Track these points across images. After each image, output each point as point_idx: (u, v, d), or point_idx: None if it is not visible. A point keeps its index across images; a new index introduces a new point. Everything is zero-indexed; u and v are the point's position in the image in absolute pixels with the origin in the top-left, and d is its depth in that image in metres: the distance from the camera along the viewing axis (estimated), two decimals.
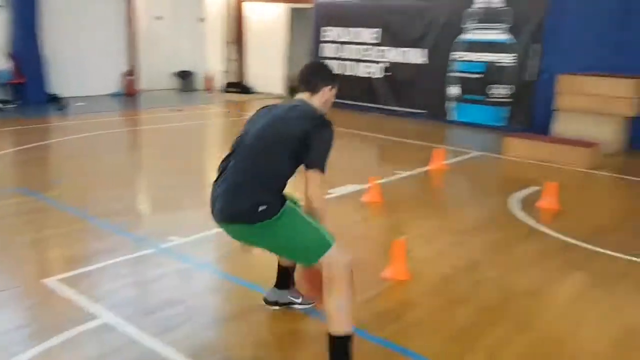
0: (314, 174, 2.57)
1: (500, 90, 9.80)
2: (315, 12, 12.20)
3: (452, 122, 10.45)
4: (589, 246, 4.49)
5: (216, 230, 4.62)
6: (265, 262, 3.51)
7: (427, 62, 10.64)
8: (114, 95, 12.69)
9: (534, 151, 7.57)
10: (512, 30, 9.57)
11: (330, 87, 2.86)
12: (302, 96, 2.86)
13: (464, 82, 10.22)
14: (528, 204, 5.58)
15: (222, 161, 2.80)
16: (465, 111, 10.31)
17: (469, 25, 9.99)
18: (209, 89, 14.50)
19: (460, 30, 10.09)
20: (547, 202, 5.53)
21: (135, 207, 5.44)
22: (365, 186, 5.69)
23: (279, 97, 13.50)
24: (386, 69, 11.24)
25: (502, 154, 7.88)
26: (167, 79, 14.37)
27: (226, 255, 4.20)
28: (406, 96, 10.97)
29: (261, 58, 13.77)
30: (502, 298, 3.60)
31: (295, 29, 13.38)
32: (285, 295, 3.27)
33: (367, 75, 11.53)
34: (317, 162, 2.58)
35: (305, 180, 2.59)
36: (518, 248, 4.47)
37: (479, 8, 9.86)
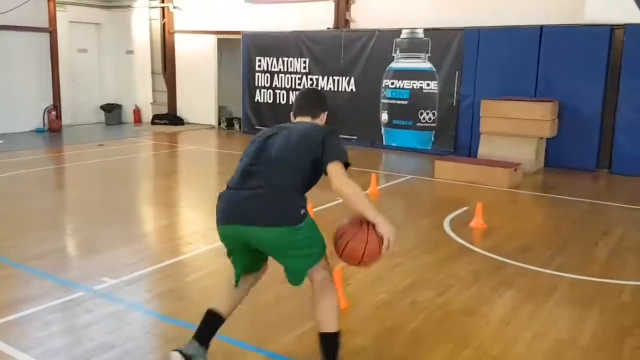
0: (335, 166, 2.67)
1: (426, 116, 10.20)
2: (244, 43, 12.28)
3: (383, 147, 10.73)
4: (518, 263, 4.69)
5: (150, 268, 4.55)
6: (200, 302, 3.42)
7: (355, 90, 10.92)
8: (37, 131, 12.12)
9: (462, 173, 7.90)
10: (434, 59, 10.03)
11: (326, 111, 3.10)
12: (304, 119, 3.01)
13: (393, 109, 10.57)
14: (460, 224, 5.79)
15: (243, 174, 2.78)
16: (395, 136, 10.63)
17: (397, 54, 10.39)
18: (137, 121, 14.15)
19: (391, 59, 10.47)
20: (477, 222, 5.76)
21: (61, 249, 5.16)
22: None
23: (211, 127, 13.40)
24: None
25: (433, 177, 8.16)
26: (93, 113, 13.94)
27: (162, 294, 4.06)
28: (338, 123, 11.13)
29: (192, 89, 13.64)
30: (440, 319, 3.68)
31: (225, 59, 13.38)
32: (203, 356, 2.83)
33: None
34: (335, 155, 2.70)
35: (330, 177, 2.67)
36: (452, 268, 4.60)
37: (405, 38, 10.29)
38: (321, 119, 3.05)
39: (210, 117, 13.53)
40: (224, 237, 2.80)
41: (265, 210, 2.64)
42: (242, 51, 12.34)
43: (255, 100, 12.27)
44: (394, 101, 10.54)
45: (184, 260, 4.76)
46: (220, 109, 13.55)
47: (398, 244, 5.08)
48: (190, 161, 9.96)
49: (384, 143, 10.76)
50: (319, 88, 11.28)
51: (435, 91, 10.07)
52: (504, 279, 4.40)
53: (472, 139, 9.60)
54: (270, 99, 12.07)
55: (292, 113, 3.06)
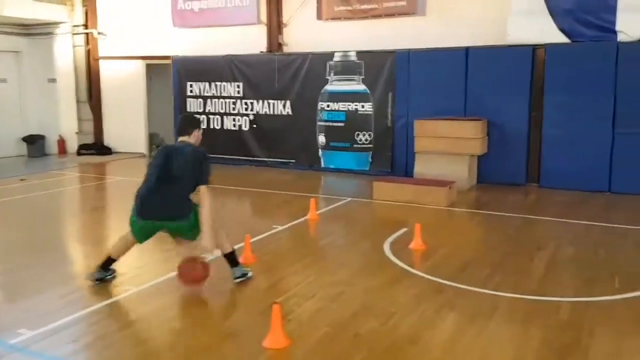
0: (204, 188, 4.37)
1: (362, 137, 10.26)
2: (174, 68, 11.98)
3: (321, 169, 10.69)
4: (458, 285, 4.69)
5: (76, 314, 4.19)
6: (131, 351, 3.14)
7: (292, 113, 10.87)
8: None
9: (400, 193, 7.94)
10: (368, 81, 10.15)
11: (198, 129, 4.61)
12: (184, 139, 4.55)
13: (329, 131, 10.57)
14: (400, 247, 5.76)
15: (150, 182, 4.46)
16: (332, 158, 10.61)
17: (331, 77, 10.43)
18: (62, 152, 13.44)
19: (325, 82, 10.49)
20: (417, 243, 5.75)
21: None
22: (240, 245, 5.50)
23: (141, 155, 12.91)
24: (252, 121, 11.28)
25: (372, 198, 8.16)
26: (14, 145, 13.13)
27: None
28: (275, 147, 11.07)
29: (120, 116, 13.13)
30: (385, 350, 3.58)
31: (155, 85, 13.00)
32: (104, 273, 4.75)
33: (235, 128, 11.48)
34: (206, 179, 4.42)
35: (201, 192, 4.36)
36: (394, 294, 4.53)
37: (338, 61, 10.36)
38: (195, 136, 4.58)
39: (141, 145, 13.04)
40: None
41: (171, 209, 4.50)
42: (173, 76, 12.03)
43: None
44: (330, 123, 10.55)
45: (114, 303, 4.44)
46: (151, 136, 13.10)
47: (340, 271, 5.10)
48: (120, 193, 9.47)
49: (322, 165, 10.72)
50: (256, 112, 11.15)
51: (371, 112, 10.17)
52: (445, 301, 4.37)
53: (407, 158, 9.71)
54: (203, 124, 11.76)
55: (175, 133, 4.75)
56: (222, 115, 11.58)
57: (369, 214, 7.67)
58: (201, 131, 4.64)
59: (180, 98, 11.95)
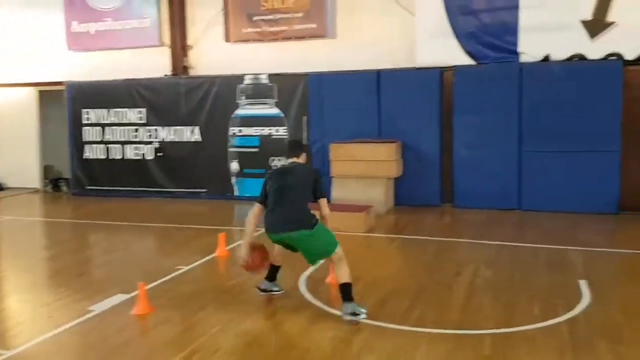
0: (324, 200, 4.76)
1: (277, 162, 9.88)
2: (69, 94, 11.06)
3: (235, 198, 10.17)
4: (377, 323, 4.36)
5: None
6: None
7: (201, 139, 10.30)
8: None
9: None
10: (281, 104, 9.82)
11: (304, 151, 4.99)
12: (294, 159, 4.87)
13: (243, 157, 10.09)
14: (316, 282, 5.39)
15: (271, 201, 4.64)
16: (247, 186, 10.12)
17: (242, 100, 9.99)
18: None
19: (236, 106, 10.03)
20: (333, 277, 5.37)
21: None
22: (135, 294, 4.88)
23: (35, 190, 11.74)
24: (157, 150, 10.58)
25: None
26: None
27: None
28: (183, 176, 10.42)
29: (9, 148, 11.88)
30: None
31: (49, 113, 11.92)
32: (272, 285, 5.01)
33: (138, 158, 10.71)
34: (325, 194, 4.78)
35: (320, 204, 4.72)
36: (310, 338, 4.12)
37: (249, 84, 9.96)
38: (303, 157, 4.92)
39: (34, 179, 11.87)
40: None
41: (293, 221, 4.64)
42: (67, 103, 11.09)
43: (85, 157, 11.01)
44: (243, 149, 10.09)
45: (9, 358, 3.80)
46: (46, 169, 11.97)
47: (250, 318, 4.54)
48: (9, 235, 8.41)
49: (236, 194, 10.20)
50: (161, 139, 10.49)
51: (286, 137, 9.82)
52: (364, 343, 4.02)
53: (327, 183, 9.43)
54: (102, 154, 10.92)
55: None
56: (123, 143, 10.78)
57: None
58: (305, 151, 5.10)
59: (76, 126, 11.03)
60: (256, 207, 4.76)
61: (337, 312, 4.61)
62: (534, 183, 8.56)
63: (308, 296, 5.04)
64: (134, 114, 10.68)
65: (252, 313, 4.69)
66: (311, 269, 5.78)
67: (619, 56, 8.09)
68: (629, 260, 6.06)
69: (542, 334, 4.12)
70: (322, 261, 4.83)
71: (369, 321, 4.39)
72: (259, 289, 5.02)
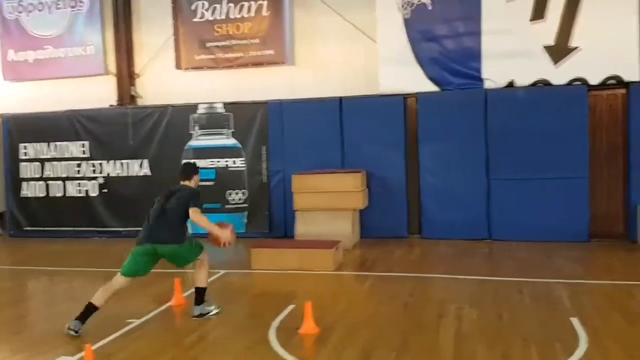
0: (194, 209, 5.20)
1: (235, 196, 9.28)
2: (4, 127, 10.15)
3: (190, 236, 9.42)
4: None
5: None
6: None
7: (150, 173, 9.59)
8: None
9: (282, 260, 7.03)
10: (238, 134, 9.28)
11: (196, 174, 5.64)
12: (184, 183, 5.54)
13: None
14: (288, 333, 4.79)
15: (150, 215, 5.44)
16: None
17: (196, 131, 9.38)
18: None
19: (189, 137, 9.40)
20: (308, 326, 4.83)
21: None
22: (82, 355, 4.17)
23: None
24: (102, 185, 9.77)
25: (251, 268, 7.14)
26: None
27: None
28: (131, 214, 9.61)
29: None
30: None
31: None
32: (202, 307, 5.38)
33: (81, 195, 9.85)
34: (194, 204, 5.23)
35: (191, 214, 5.20)
36: None
37: (203, 114, 9.37)
38: (194, 180, 5.59)
39: None
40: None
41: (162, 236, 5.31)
42: (3, 137, 10.17)
43: (22, 195, 10.07)
44: (199, 182, 9.39)
45: None
46: None
47: None
48: None
49: (190, 231, 9.43)
50: (106, 174, 9.70)
51: (243, 168, 9.26)
52: None
53: (286, 217, 8.92)
54: (42, 192, 10.02)
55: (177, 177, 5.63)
56: (64, 180, 9.94)
57: (249, 290, 6.58)
58: (199, 175, 5.70)
59: (12, 162, 10.11)
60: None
61: None
62: (504, 212, 8.32)
63: (280, 350, 4.44)
64: (77, 148, 9.87)
65: None
66: (281, 317, 5.21)
67: (583, 81, 8.05)
68: (611, 293, 5.80)
69: None
70: (190, 265, 5.47)
71: None
72: (69, 328, 4.93)
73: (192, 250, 5.39)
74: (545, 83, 8.22)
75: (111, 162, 9.73)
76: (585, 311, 5.15)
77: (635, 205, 7.80)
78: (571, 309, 5.23)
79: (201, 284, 5.38)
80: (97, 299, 5.08)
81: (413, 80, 8.65)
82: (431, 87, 8.66)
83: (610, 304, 5.42)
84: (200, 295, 5.36)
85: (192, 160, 8.20)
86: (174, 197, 5.35)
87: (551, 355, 4.17)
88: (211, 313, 5.35)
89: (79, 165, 9.86)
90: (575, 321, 4.82)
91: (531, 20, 8.20)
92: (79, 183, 9.88)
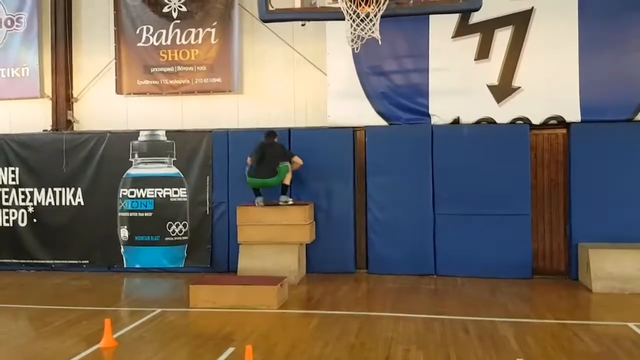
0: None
1: (175, 228, 8.86)
2: None
3: (124, 270, 8.92)
4: None
5: None
6: None
7: (83, 203, 9.06)
8: None
9: (223, 298, 6.68)
10: (180, 163, 8.92)
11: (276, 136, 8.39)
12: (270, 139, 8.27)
13: (134, 222, 8.95)
14: None
15: (253, 163, 8.10)
16: (138, 255, 8.95)
17: (135, 159, 8.96)
18: None
19: (128, 165, 8.96)
20: None
21: None
22: None
23: None
24: (32, 215, 9.13)
25: (189, 306, 6.73)
26: None
27: None
28: (62, 245, 9.02)
29: None
30: None
31: None
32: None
33: (8, 225, 9.16)
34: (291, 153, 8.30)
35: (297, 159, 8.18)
36: None
37: (144, 141, 8.98)
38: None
39: None
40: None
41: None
42: None
43: None
44: (135, 214, 8.96)
45: None
46: None
47: None
48: None
49: (124, 265, 8.95)
50: (36, 202, 9.10)
51: (185, 199, 8.88)
52: None
53: (230, 251, 8.59)
54: None
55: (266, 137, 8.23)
56: None
57: (185, 331, 6.15)
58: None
59: None
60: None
61: None
62: (449, 247, 8.31)
63: None
64: (5, 175, 9.22)
65: None
66: (222, 357, 4.87)
67: (525, 120, 8.24)
68: (555, 332, 5.80)
69: None
70: None
71: None
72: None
73: (280, 177, 8.02)
74: (489, 121, 8.37)
75: (42, 190, 9.12)
76: (531, 352, 5.10)
77: (576, 243, 7.96)
78: (517, 349, 5.18)
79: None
80: None
81: (361, 113, 8.64)
82: (379, 121, 8.66)
83: (555, 344, 5.39)
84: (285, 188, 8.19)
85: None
86: (271, 148, 8.11)
87: None
88: (289, 202, 8.20)
89: (7, 193, 9.19)
90: None
91: (476, 59, 8.38)
92: (7, 212, 9.20)
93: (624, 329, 5.72)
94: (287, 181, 8.11)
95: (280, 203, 8.16)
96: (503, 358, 4.95)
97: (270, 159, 8.00)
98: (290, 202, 8.21)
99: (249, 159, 8.21)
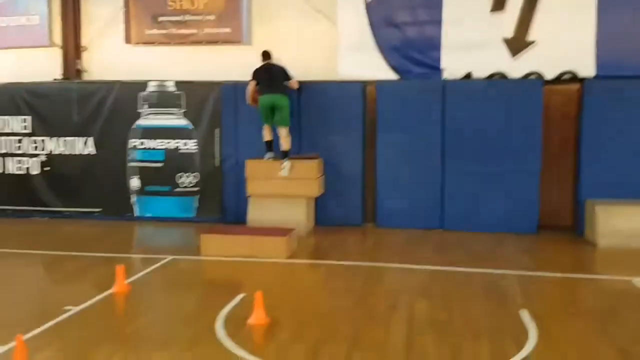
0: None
1: (185, 179, 8.95)
2: None
3: (136, 219, 9.07)
4: None
5: None
6: None
7: (95, 152, 9.13)
8: None
9: (234, 247, 6.81)
10: (190, 115, 8.92)
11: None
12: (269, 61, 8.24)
13: (144, 173, 9.03)
14: (237, 323, 4.63)
15: (261, 83, 8.06)
16: (149, 205, 9.07)
17: (145, 109, 8.96)
18: None
19: (138, 115, 8.97)
20: (257, 317, 4.68)
21: None
22: (11, 346, 3.87)
23: None
24: (44, 163, 9.23)
25: (200, 254, 6.88)
26: None
27: None
28: (74, 194, 9.15)
29: None
30: None
31: None
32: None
33: (21, 172, 9.29)
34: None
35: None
36: None
37: (153, 92, 8.95)
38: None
39: None
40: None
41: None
42: None
43: None
44: (145, 164, 9.03)
45: None
46: None
47: None
48: None
49: (136, 214, 9.10)
50: (48, 151, 9.17)
51: (195, 151, 8.91)
52: None
53: (239, 203, 8.64)
54: None
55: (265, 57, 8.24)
56: (4, 156, 9.33)
57: (196, 278, 6.34)
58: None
59: None
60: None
61: None
62: (456, 202, 8.34)
63: (228, 343, 4.26)
64: (17, 123, 9.26)
65: None
66: (230, 306, 5.02)
67: (539, 75, 8.11)
68: (559, 285, 5.90)
69: None
70: None
71: None
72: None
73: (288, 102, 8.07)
74: (502, 76, 8.24)
75: (54, 139, 9.18)
76: (534, 304, 5.19)
77: (583, 199, 7.98)
78: (521, 301, 5.27)
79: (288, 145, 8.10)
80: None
81: (373, 67, 8.51)
82: (391, 75, 8.54)
83: (558, 297, 5.51)
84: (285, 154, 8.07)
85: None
86: (275, 67, 8.17)
87: (501, 349, 4.16)
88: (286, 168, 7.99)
89: (19, 142, 9.28)
90: (524, 314, 4.85)
91: (491, 10, 8.17)
92: (20, 160, 9.30)
93: (628, 285, 5.80)
94: (287, 145, 8.01)
95: (282, 172, 7.97)
96: (507, 309, 5.05)
97: (278, 77, 8.05)
98: (287, 167, 7.99)
99: (252, 83, 8.08)
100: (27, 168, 9.28)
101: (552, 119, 8.33)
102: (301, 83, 8.49)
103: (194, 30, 9.09)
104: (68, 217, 9.17)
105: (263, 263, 6.56)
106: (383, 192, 8.58)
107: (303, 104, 8.56)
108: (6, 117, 9.26)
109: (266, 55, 8.21)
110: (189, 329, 4.61)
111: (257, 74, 8.06)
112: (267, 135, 8.14)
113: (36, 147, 9.23)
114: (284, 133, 7.99)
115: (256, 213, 8.09)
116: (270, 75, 8.03)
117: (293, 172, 8.06)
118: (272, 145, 8.17)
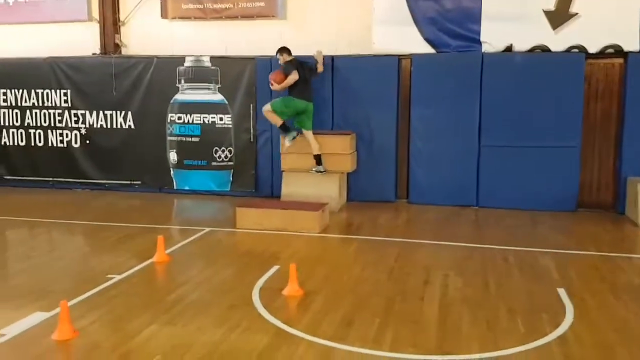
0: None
1: (221, 154, 9.06)
2: None
3: (173, 191, 9.27)
4: (347, 347, 3.78)
5: None
6: None
7: (134, 126, 9.31)
8: None
9: (268, 220, 6.93)
10: (225, 90, 8.98)
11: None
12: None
13: (182, 147, 9.19)
14: (272, 294, 4.75)
15: (301, 84, 7.91)
16: (187, 178, 9.24)
17: (182, 84, 9.07)
18: None
19: (175, 90, 9.09)
20: (292, 288, 4.79)
21: None
22: (56, 312, 4.07)
23: None
24: (84, 136, 9.48)
25: (235, 227, 7.02)
26: None
27: None
28: (114, 166, 9.38)
29: None
30: None
31: None
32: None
33: (63, 145, 9.57)
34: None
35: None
36: None
37: (189, 67, 9.04)
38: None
39: None
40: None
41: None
42: None
43: (2, 143, 9.76)
44: (183, 138, 9.17)
45: None
46: None
47: (196, 344, 3.93)
48: None
49: (174, 187, 9.29)
50: (88, 125, 9.41)
51: (230, 126, 9.00)
52: None
53: (273, 177, 8.74)
54: (22, 140, 9.71)
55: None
56: (45, 129, 9.60)
57: (233, 249, 6.49)
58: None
59: None
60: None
61: (299, 334, 3.98)
62: (492, 179, 8.22)
63: (264, 313, 4.37)
64: (58, 97, 9.51)
65: (198, 336, 3.97)
66: (265, 278, 5.14)
67: (581, 49, 7.84)
68: (597, 264, 5.79)
69: (534, 358, 3.67)
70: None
71: (338, 345, 3.80)
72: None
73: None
74: (544, 49, 8.00)
75: (94, 112, 9.40)
76: (572, 282, 5.14)
77: (625, 177, 7.76)
78: (558, 279, 5.22)
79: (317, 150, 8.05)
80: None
81: (408, 40, 8.35)
82: (427, 48, 8.37)
83: (597, 275, 5.41)
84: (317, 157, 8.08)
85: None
86: (306, 65, 8.15)
87: (537, 326, 4.14)
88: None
89: (60, 115, 9.54)
90: (562, 292, 4.81)
91: None
92: (61, 133, 9.58)
93: None
94: (318, 148, 7.99)
95: (316, 170, 8.07)
96: (543, 287, 5.01)
97: (310, 79, 8.12)
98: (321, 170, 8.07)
99: (296, 78, 7.83)
100: (68, 141, 9.55)
101: (595, 94, 8.08)
102: (334, 57, 8.45)
103: (229, 5, 9.09)
104: (108, 189, 9.44)
105: (296, 236, 6.65)
106: (416, 168, 8.52)
107: (336, 78, 8.50)
108: (47, 90, 9.51)
109: (289, 51, 8.13)
110: (226, 298, 4.74)
111: (300, 70, 7.93)
112: (278, 120, 8.03)
113: (77, 121, 9.48)
114: (310, 136, 7.99)
115: (290, 188, 8.16)
116: (305, 76, 7.99)
117: (326, 147, 8.07)
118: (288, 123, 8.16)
